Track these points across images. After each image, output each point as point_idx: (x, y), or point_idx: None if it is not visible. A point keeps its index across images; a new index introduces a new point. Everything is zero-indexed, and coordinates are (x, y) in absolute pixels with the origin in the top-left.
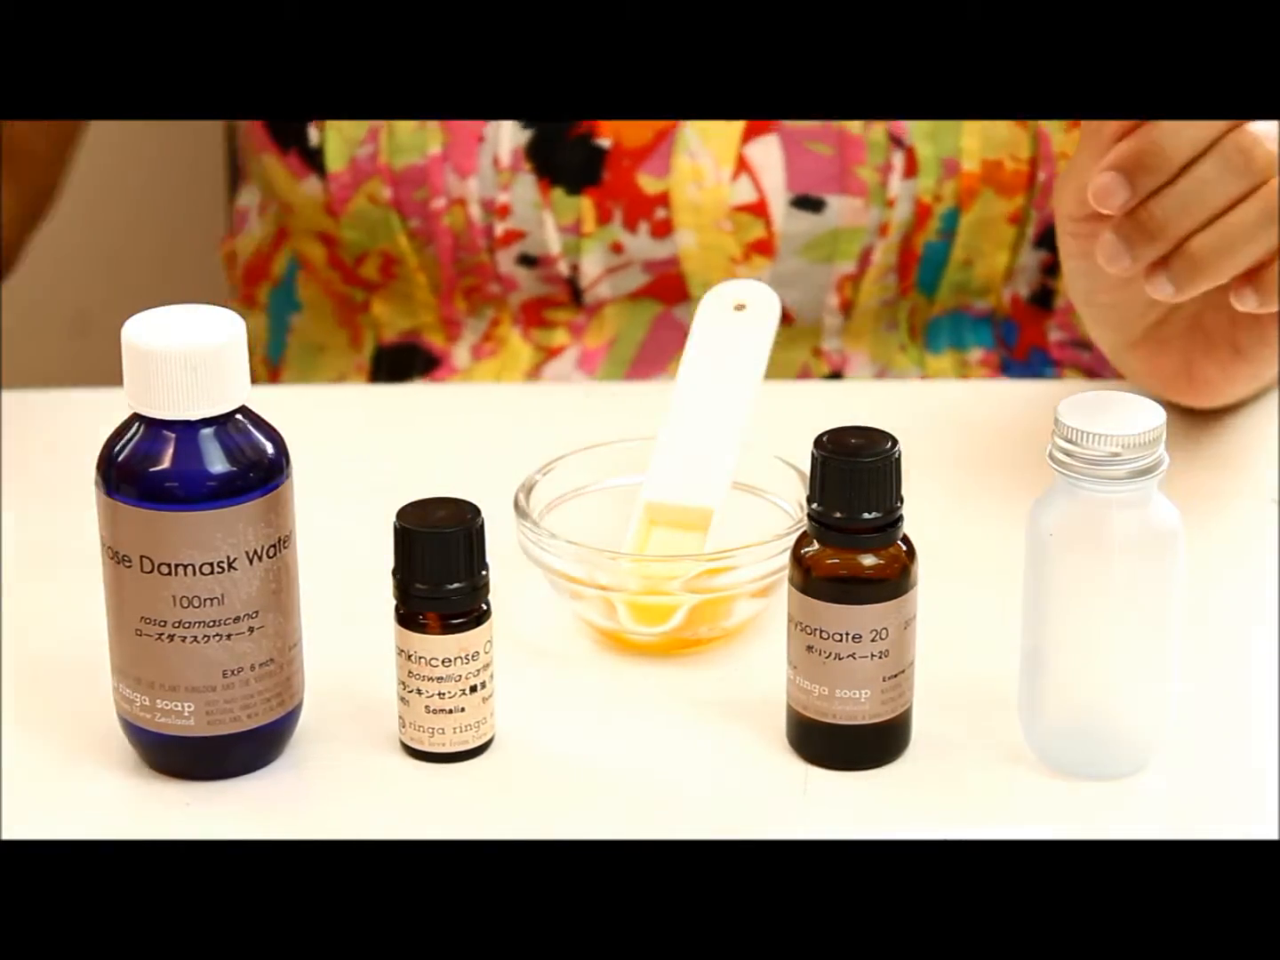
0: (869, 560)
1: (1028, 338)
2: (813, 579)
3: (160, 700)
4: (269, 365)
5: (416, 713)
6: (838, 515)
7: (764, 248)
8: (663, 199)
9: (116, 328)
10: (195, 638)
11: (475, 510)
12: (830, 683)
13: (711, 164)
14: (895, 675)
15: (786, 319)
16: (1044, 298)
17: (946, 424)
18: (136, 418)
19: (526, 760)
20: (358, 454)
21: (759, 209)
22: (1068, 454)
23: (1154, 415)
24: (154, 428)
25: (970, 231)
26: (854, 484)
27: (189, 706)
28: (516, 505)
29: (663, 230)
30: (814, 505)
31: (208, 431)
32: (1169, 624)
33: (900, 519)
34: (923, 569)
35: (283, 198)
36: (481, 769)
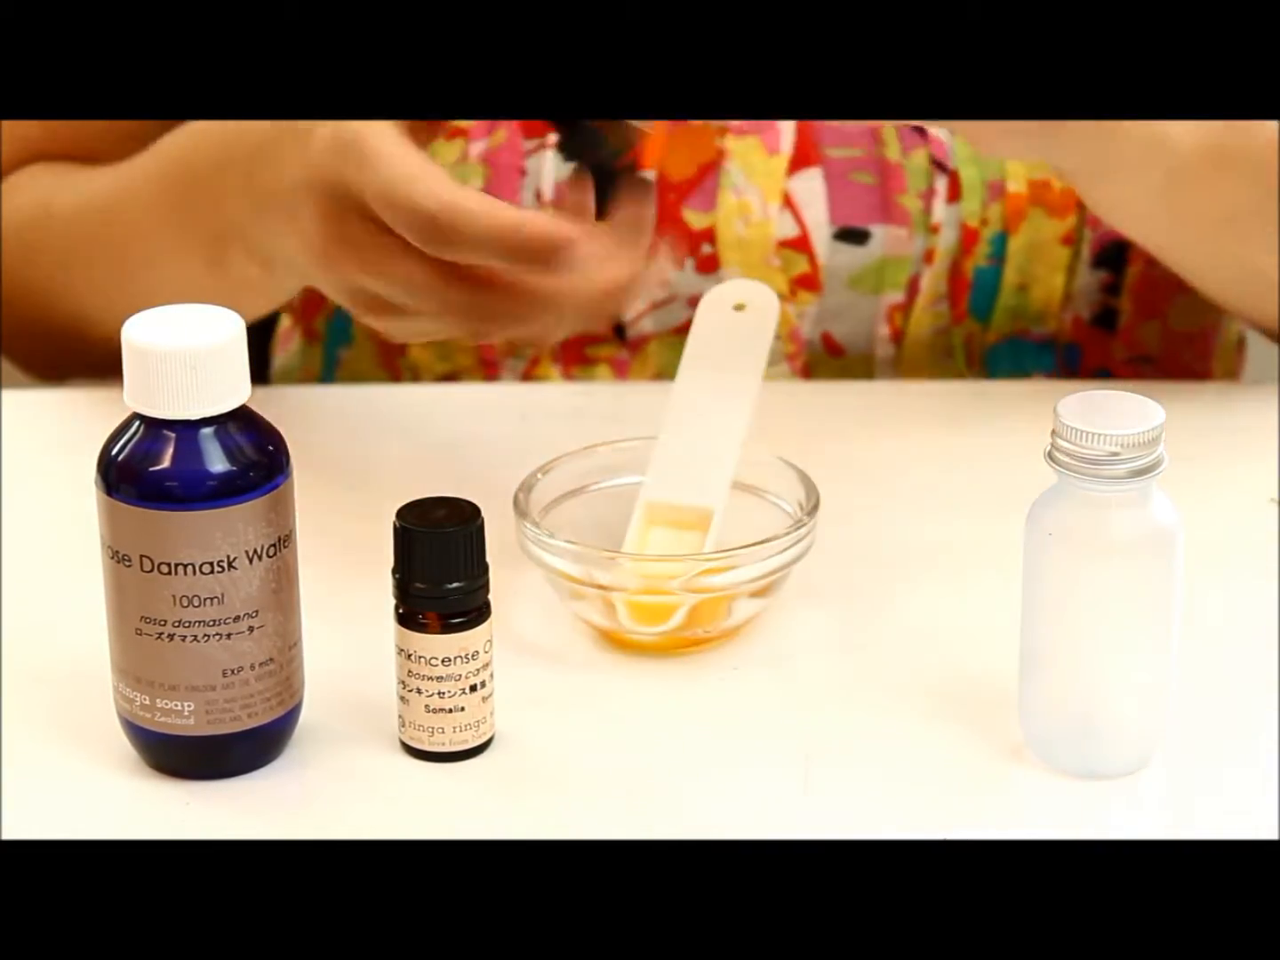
0: None
1: (1092, 360)
2: None
3: (160, 700)
4: None
5: (416, 712)
6: None
7: (809, 282)
8: (708, 234)
9: None
10: (195, 637)
11: (475, 510)
12: None
13: (758, 199)
14: None
15: (838, 352)
16: (1107, 318)
17: (945, 423)
18: (136, 417)
19: (526, 760)
20: (358, 454)
21: (801, 244)
22: (1067, 453)
23: (1153, 415)
24: (154, 427)
25: (1021, 255)
26: None
27: (189, 706)
28: (516, 505)
29: (709, 266)
30: None
31: (208, 431)
32: (1168, 623)
33: None
34: (923, 568)
35: None
36: (481, 769)
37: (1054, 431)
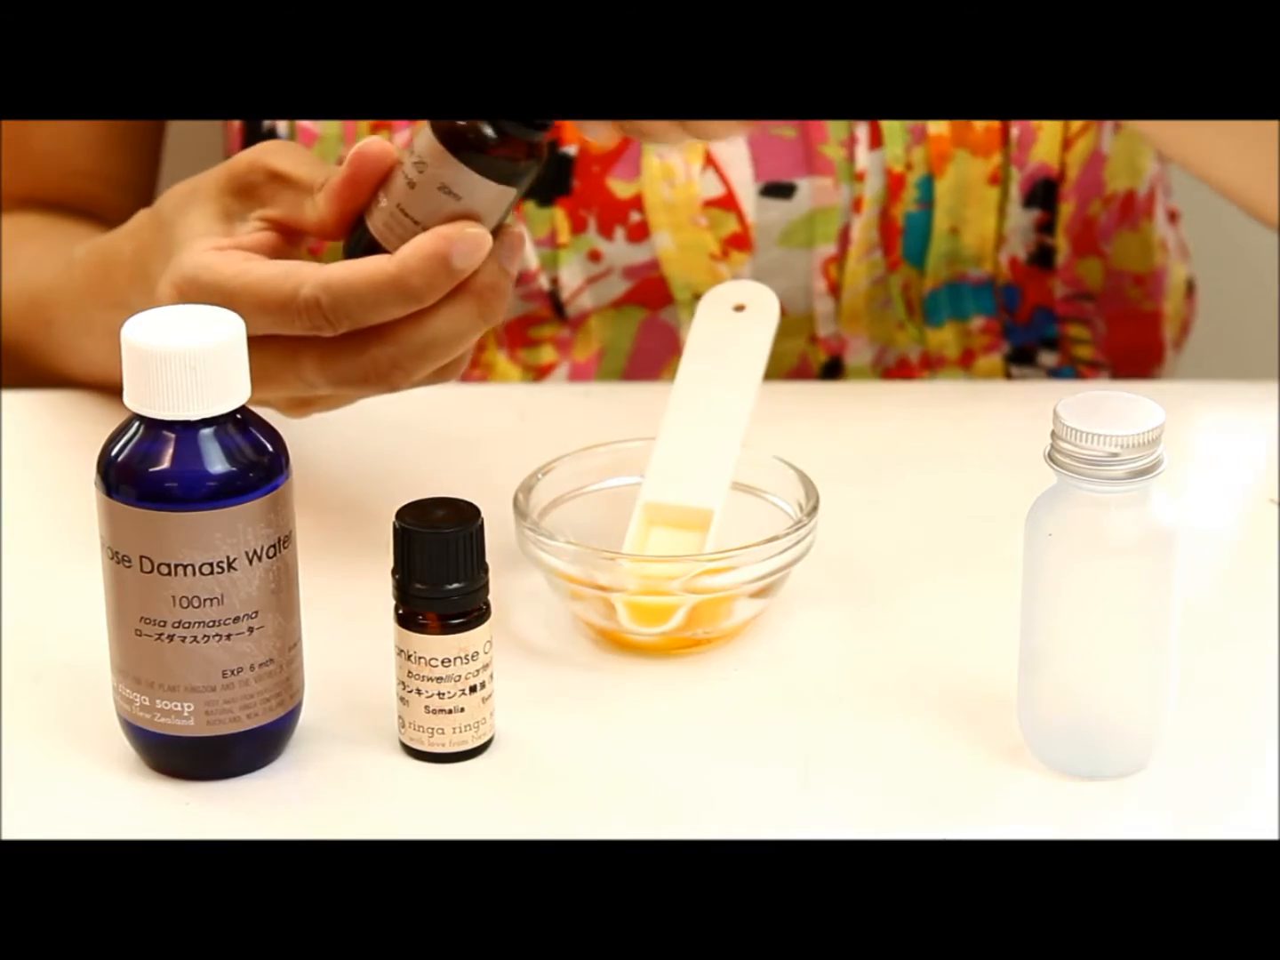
0: None
1: (1031, 299)
2: None
3: (160, 700)
4: None
5: (416, 713)
6: None
7: (740, 242)
8: (636, 202)
9: None
10: (195, 638)
11: (475, 510)
12: None
13: (680, 161)
14: None
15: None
16: (1044, 257)
17: (945, 424)
18: (136, 418)
19: (526, 760)
20: (357, 454)
21: (728, 202)
22: (1067, 454)
23: (1153, 415)
24: (154, 428)
25: (950, 197)
26: None
27: (189, 706)
28: (516, 505)
29: (639, 234)
30: None
31: (207, 432)
32: (1168, 624)
33: None
34: (923, 568)
35: None
36: (481, 769)
37: (1054, 432)
